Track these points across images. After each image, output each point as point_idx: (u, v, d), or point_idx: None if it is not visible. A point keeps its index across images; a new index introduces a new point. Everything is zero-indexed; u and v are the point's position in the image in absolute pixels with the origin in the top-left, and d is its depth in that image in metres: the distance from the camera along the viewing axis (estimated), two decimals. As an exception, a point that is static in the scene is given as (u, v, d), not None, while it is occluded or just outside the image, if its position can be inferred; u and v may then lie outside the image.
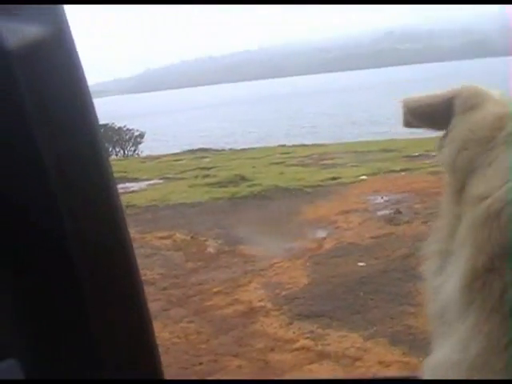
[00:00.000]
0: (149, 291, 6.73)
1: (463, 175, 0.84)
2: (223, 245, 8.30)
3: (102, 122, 22.32)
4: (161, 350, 3.95)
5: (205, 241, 8.53)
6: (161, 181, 13.63)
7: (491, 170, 0.80)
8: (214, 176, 13.02)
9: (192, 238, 8.71)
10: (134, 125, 24.10)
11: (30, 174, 1.15)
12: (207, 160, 16.77)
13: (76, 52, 1.20)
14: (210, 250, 8.19)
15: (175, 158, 18.00)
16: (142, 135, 23.71)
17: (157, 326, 5.84)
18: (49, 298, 1.24)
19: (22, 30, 1.08)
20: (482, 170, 0.81)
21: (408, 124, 1.01)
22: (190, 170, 14.49)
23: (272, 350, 5.38)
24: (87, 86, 1.22)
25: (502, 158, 0.80)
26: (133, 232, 8.75)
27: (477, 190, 0.80)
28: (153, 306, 6.31)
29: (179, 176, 13.90)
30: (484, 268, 0.74)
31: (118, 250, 1.31)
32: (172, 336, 5.77)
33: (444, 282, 0.82)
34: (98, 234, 1.26)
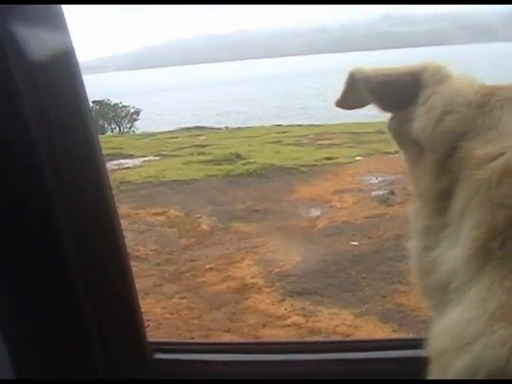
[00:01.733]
0: (142, 267, 6.75)
1: (452, 138, 0.82)
2: (217, 222, 8.30)
3: (98, 98, 22.19)
4: (152, 325, 3.97)
5: (199, 218, 8.53)
6: (156, 158, 13.58)
7: (496, 133, 0.79)
8: (210, 154, 12.97)
9: (186, 214, 8.71)
10: (131, 101, 23.93)
11: (21, 154, 1.16)
12: (203, 138, 16.69)
13: (73, 50, 1.21)
14: (204, 226, 8.20)
15: (171, 136, 17.91)
16: (137, 112, 23.55)
17: (149, 302, 5.86)
18: (36, 274, 1.25)
19: (22, 30, 1.09)
20: (480, 133, 0.80)
21: (346, 99, 1.00)
22: (186, 148, 14.43)
23: (264, 325, 5.41)
24: (82, 80, 1.23)
25: (508, 120, 0.80)
26: (127, 208, 8.75)
27: (482, 151, 0.78)
28: (146, 282, 6.32)
29: (174, 153, 13.84)
30: (506, 222, 0.73)
31: (105, 226, 1.32)
32: (164, 311, 5.79)
33: (443, 253, 0.81)
34: (86, 210, 1.27)
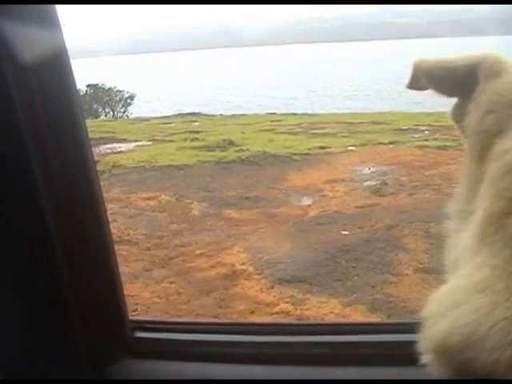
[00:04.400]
0: (132, 251, 6.75)
1: (489, 137, 0.86)
2: (208, 208, 8.29)
3: (92, 82, 22.11)
4: (141, 309, 3.96)
5: (190, 203, 8.52)
6: (149, 142, 13.54)
7: None
8: (203, 140, 12.94)
9: (177, 200, 8.69)
10: (125, 86, 23.83)
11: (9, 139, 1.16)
12: (196, 124, 16.67)
13: (66, 51, 1.20)
14: (195, 212, 8.18)
15: (165, 121, 17.87)
16: (132, 97, 23.47)
17: (138, 286, 5.86)
18: (16, 258, 1.24)
19: (14, 29, 1.09)
20: (510, 131, 0.84)
21: (413, 85, 1.02)
22: (179, 133, 14.41)
23: (252, 312, 5.42)
24: (74, 81, 1.23)
25: None
26: (118, 192, 8.74)
27: (501, 147, 0.82)
28: (135, 266, 6.33)
29: (168, 138, 13.81)
30: (500, 212, 0.77)
31: (90, 209, 1.31)
32: (153, 296, 5.79)
33: (463, 235, 0.86)
34: (71, 193, 1.26)
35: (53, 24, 1.16)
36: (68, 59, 1.20)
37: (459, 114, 0.96)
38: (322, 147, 11.86)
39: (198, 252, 6.76)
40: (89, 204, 1.31)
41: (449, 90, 0.97)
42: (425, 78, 0.96)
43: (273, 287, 5.85)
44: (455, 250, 0.87)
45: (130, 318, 1.38)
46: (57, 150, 1.21)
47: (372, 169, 10.02)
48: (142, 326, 1.41)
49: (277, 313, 5.37)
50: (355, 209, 7.97)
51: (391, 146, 11.85)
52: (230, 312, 5.44)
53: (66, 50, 1.20)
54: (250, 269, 6.28)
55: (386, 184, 8.96)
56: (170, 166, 10.67)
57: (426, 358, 0.77)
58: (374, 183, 9.12)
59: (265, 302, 5.59)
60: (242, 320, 5.09)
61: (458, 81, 0.94)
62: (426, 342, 0.77)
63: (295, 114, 19.04)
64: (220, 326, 1.68)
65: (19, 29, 1.09)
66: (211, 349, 1.38)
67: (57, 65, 1.18)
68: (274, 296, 5.67)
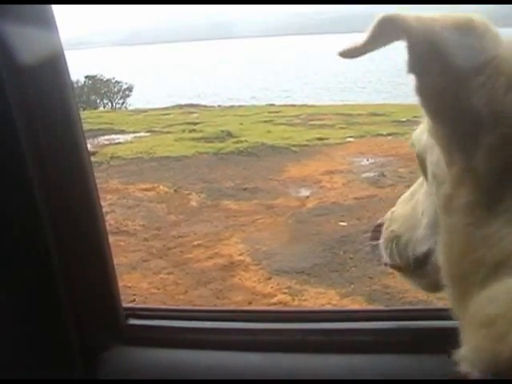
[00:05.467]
0: (129, 242, 6.74)
1: None
2: (206, 199, 8.29)
3: (90, 73, 22.03)
4: (138, 299, 3.94)
5: (188, 194, 8.51)
6: (147, 134, 13.52)
7: None
8: (201, 131, 12.92)
9: (175, 191, 8.69)
10: (124, 77, 23.74)
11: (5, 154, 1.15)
12: (195, 115, 16.62)
13: (62, 50, 1.20)
14: (193, 203, 8.18)
15: (163, 112, 17.82)
16: (130, 88, 23.39)
17: (136, 277, 5.86)
18: (14, 246, 1.23)
19: (10, 30, 1.09)
20: None
21: (368, 46, 0.86)
22: (177, 125, 14.38)
23: (250, 303, 5.42)
24: (71, 81, 1.23)
25: None
26: (116, 183, 8.73)
27: None
28: (133, 257, 6.33)
29: (166, 130, 13.79)
30: None
31: (84, 200, 1.30)
32: (150, 286, 5.79)
33: (500, 230, 0.76)
34: (64, 185, 1.25)
35: (49, 23, 1.16)
36: (64, 57, 1.21)
37: (443, 90, 0.83)
38: (320, 138, 11.84)
39: (195, 243, 6.76)
40: (83, 194, 1.31)
41: (427, 51, 0.82)
42: (405, 33, 0.82)
43: (270, 278, 5.85)
44: (491, 247, 0.77)
45: (124, 305, 1.37)
46: (49, 142, 1.21)
47: (370, 160, 10.01)
48: (136, 313, 1.41)
49: (274, 304, 5.37)
50: (353, 200, 7.96)
51: (389, 137, 11.84)
52: (228, 303, 5.44)
53: (61, 48, 1.20)
54: (248, 260, 6.28)
55: (384, 175, 8.96)
56: (168, 157, 10.67)
57: (467, 355, 0.71)
58: (372, 175, 9.11)
59: (262, 292, 5.59)
60: (236, 307, 5.08)
61: (447, 47, 0.80)
62: (500, 344, 0.68)
63: (294, 106, 18.98)
64: (214, 313, 1.68)
65: (15, 27, 1.10)
66: (205, 336, 1.37)
67: (52, 62, 1.19)
68: (272, 287, 5.67)
